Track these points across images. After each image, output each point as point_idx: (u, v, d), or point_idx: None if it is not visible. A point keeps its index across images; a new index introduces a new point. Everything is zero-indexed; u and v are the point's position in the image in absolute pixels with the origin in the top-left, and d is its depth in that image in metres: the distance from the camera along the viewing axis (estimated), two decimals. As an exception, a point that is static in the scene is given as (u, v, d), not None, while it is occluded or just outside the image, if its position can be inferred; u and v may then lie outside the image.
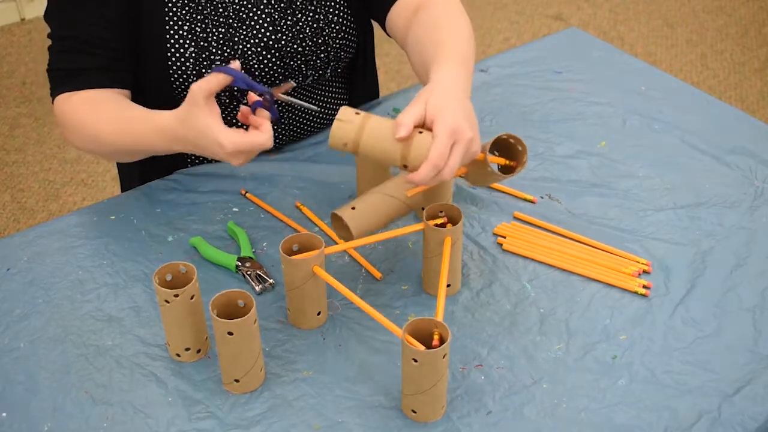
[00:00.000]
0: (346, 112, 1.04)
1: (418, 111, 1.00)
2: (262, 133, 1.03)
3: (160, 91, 1.25)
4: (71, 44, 1.20)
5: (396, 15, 1.28)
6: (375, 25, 1.42)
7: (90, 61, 1.20)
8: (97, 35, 1.19)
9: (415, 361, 0.89)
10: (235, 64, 1.03)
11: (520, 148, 1.11)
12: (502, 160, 1.13)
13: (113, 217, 1.24)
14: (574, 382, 1.00)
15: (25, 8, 3.44)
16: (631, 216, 1.24)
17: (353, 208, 1.08)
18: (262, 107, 1.05)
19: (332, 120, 1.43)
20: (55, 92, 1.22)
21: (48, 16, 1.22)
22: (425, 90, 1.04)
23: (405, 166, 1.03)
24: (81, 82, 1.20)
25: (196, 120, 1.03)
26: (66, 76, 1.20)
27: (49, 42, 1.23)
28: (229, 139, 1.01)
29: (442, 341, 0.91)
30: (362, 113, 1.04)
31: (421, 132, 1.00)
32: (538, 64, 1.59)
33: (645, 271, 1.15)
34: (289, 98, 1.07)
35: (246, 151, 1.04)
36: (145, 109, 1.15)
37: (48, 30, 1.22)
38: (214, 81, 1.01)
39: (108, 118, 1.16)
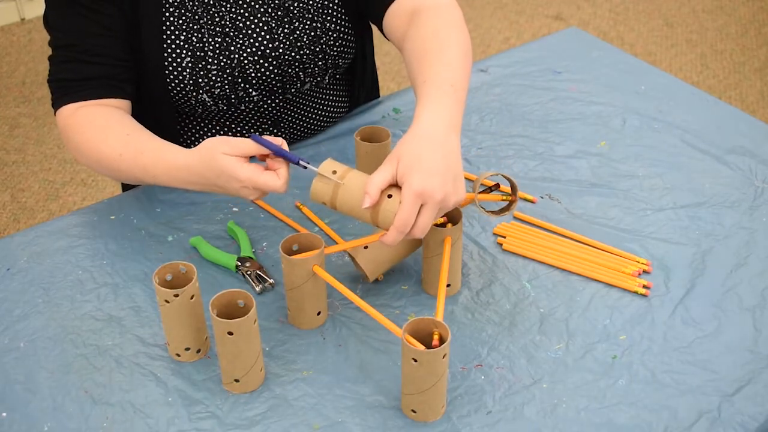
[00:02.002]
0: (323, 172, 1.00)
1: (386, 174, 0.97)
2: (278, 178, 1.02)
3: (157, 100, 1.25)
4: (72, 54, 1.18)
5: (391, 20, 1.25)
6: (374, 27, 1.42)
7: (92, 70, 1.18)
8: (98, 44, 1.17)
9: (415, 360, 0.89)
10: (278, 141, 1.02)
11: (512, 184, 1.09)
12: (496, 197, 1.10)
13: (113, 217, 1.24)
14: (573, 382, 1.00)
15: (25, 8, 3.45)
16: (631, 216, 1.24)
17: (365, 247, 1.08)
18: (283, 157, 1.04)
19: (333, 123, 1.43)
20: (57, 104, 1.19)
21: (48, 24, 1.20)
22: (400, 143, 1.00)
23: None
24: (83, 92, 1.18)
25: (220, 162, 1.02)
26: (68, 86, 1.18)
27: (49, 51, 1.21)
28: (247, 174, 1.01)
29: (441, 341, 0.91)
30: (340, 170, 1.00)
31: (390, 196, 0.98)
32: (538, 64, 1.59)
33: (645, 271, 1.15)
34: (312, 168, 1.03)
35: (260, 189, 1.03)
36: (154, 139, 1.13)
37: (48, 37, 1.21)
38: (246, 148, 1.01)
39: (114, 143, 1.13)
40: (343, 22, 1.31)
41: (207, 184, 1.06)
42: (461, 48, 1.15)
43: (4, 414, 0.96)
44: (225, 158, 1.01)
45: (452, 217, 1.07)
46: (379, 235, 1.04)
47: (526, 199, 1.26)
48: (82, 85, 1.18)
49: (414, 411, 0.95)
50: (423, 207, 0.96)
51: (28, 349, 1.04)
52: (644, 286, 1.12)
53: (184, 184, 1.09)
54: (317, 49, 1.29)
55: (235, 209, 1.24)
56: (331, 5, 1.29)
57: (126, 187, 1.44)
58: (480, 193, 1.09)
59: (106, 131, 1.15)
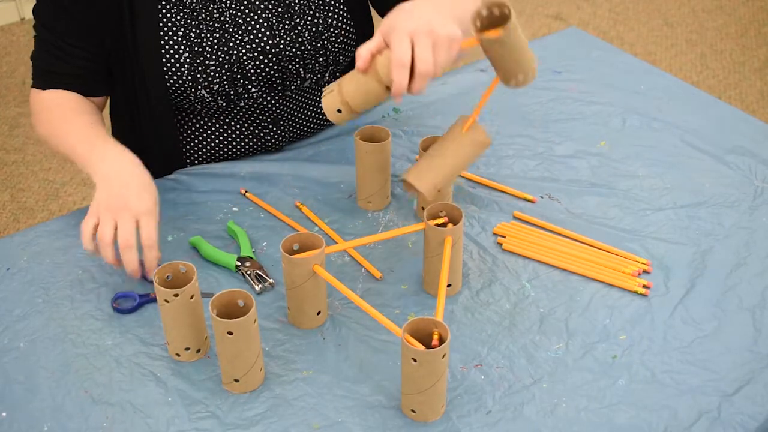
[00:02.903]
0: (326, 87, 1.07)
1: (375, 40, 1.00)
2: (131, 250, 1.04)
3: (156, 97, 1.25)
4: (49, 47, 1.23)
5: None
6: (376, 26, 1.42)
7: (64, 68, 1.24)
8: (75, 45, 1.22)
9: (415, 360, 0.89)
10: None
11: (506, 11, 0.99)
12: (494, 32, 0.99)
13: (113, 217, 1.23)
14: (573, 382, 1.00)
15: (25, 8, 3.44)
16: (631, 216, 1.24)
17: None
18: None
19: (332, 122, 1.43)
20: (36, 83, 1.26)
21: (35, 10, 1.24)
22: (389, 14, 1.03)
23: (389, 89, 1.02)
24: (55, 84, 1.25)
25: (136, 171, 1.11)
26: (43, 73, 1.25)
27: (33, 26, 1.25)
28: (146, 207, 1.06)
29: (441, 341, 0.91)
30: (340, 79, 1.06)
31: (381, 54, 1.01)
32: (537, 64, 1.59)
33: (645, 271, 1.15)
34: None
35: (114, 220, 1.05)
36: (100, 127, 1.21)
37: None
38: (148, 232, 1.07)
39: (61, 124, 1.21)
40: (344, 18, 1.31)
41: (101, 168, 1.11)
42: None
43: (4, 414, 0.96)
44: (142, 176, 1.09)
45: (452, 217, 1.07)
46: (380, 236, 1.04)
47: (526, 199, 1.26)
48: (62, 81, 1.25)
49: (413, 411, 0.95)
50: (415, 42, 0.96)
51: (28, 349, 1.04)
52: (644, 286, 1.12)
53: (88, 156, 1.15)
54: (318, 45, 1.29)
55: (234, 209, 1.24)
56: (332, 1, 1.29)
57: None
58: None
59: (69, 118, 1.22)
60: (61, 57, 1.22)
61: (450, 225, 1.06)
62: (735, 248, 1.18)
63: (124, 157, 1.13)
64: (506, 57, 1.02)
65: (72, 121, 1.21)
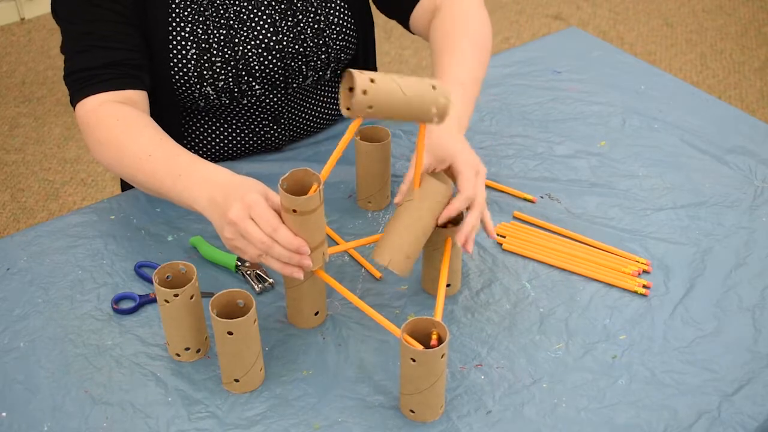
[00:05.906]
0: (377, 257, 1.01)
1: (423, 163, 1.02)
2: (262, 238, 0.95)
3: (160, 93, 1.25)
4: (88, 42, 1.16)
5: (418, 17, 1.33)
6: (375, 25, 1.42)
7: (111, 55, 1.16)
8: (113, 30, 1.16)
9: (413, 360, 0.89)
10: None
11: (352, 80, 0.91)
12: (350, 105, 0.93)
13: (113, 217, 1.24)
14: (573, 382, 1.00)
15: (25, 8, 3.44)
16: (631, 215, 1.24)
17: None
18: None
19: (333, 120, 1.43)
20: (77, 97, 1.16)
21: (58, 17, 1.19)
22: (427, 139, 1.05)
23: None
24: (104, 84, 1.15)
25: (251, 183, 1.01)
26: (87, 77, 1.16)
27: (60, 47, 1.19)
28: (257, 204, 0.96)
29: (440, 341, 0.91)
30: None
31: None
32: (537, 64, 1.59)
33: (645, 271, 1.15)
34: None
35: (243, 231, 0.96)
36: (187, 151, 1.11)
37: (49, 36, 1.21)
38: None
39: (145, 143, 1.10)
40: (345, 16, 1.31)
41: (214, 194, 1.01)
42: (473, 40, 1.22)
43: (4, 414, 0.96)
44: (268, 190, 1.00)
45: (453, 217, 1.07)
46: (380, 236, 1.03)
47: (526, 199, 1.26)
48: (102, 74, 1.16)
49: (412, 411, 0.95)
50: (477, 177, 1.05)
51: (28, 349, 1.04)
52: (644, 286, 1.12)
53: (198, 201, 1.03)
54: (320, 42, 1.29)
55: (235, 209, 1.24)
56: None
57: (125, 187, 1.44)
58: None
59: (137, 130, 1.13)
60: (107, 46, 1.15)
61: (450, 225, 1.06)
62: (735, 248, 1.18)
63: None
64: (396, 110, 0.93)
65: (171, 142, 1.12)
